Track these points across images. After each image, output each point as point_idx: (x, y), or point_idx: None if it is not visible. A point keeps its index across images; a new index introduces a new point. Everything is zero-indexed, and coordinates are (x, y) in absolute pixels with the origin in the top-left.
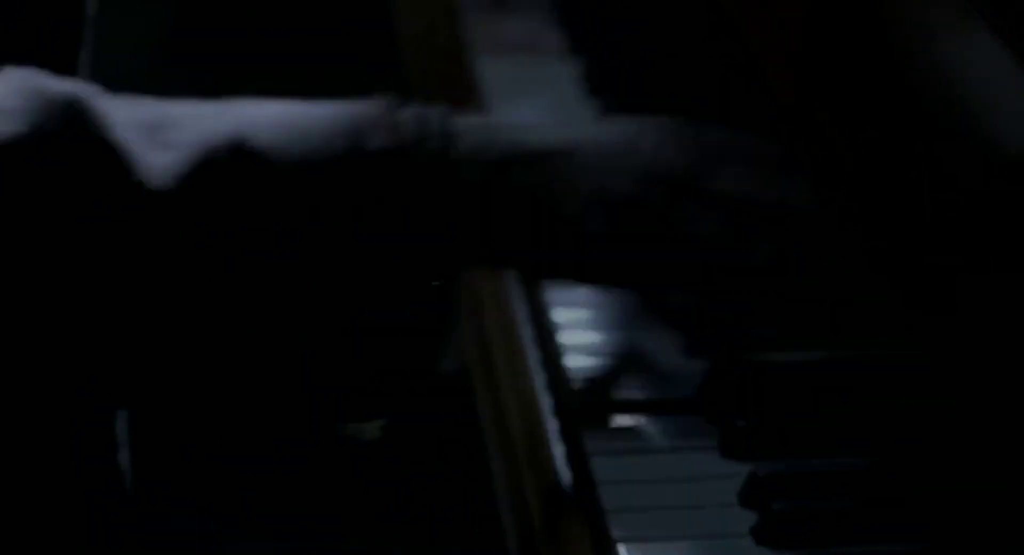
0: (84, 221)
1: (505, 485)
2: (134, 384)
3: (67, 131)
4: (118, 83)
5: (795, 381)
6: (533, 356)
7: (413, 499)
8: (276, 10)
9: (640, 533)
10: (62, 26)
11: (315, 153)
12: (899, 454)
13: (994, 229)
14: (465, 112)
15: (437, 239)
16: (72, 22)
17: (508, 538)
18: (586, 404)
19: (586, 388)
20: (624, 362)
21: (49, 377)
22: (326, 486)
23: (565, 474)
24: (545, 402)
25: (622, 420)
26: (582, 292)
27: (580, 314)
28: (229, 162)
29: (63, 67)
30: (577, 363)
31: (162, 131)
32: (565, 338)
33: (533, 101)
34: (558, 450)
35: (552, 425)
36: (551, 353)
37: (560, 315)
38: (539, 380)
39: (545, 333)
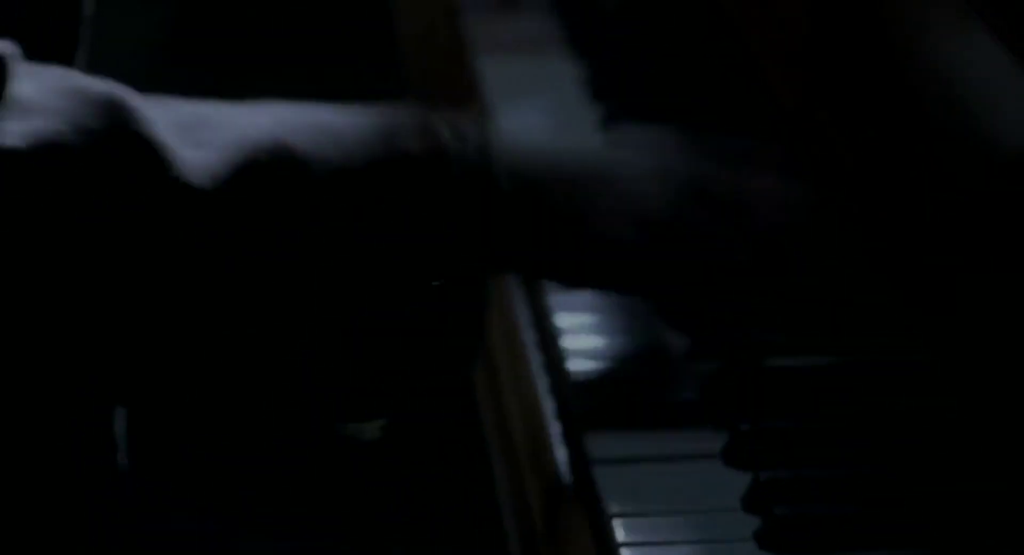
0: (123, 217)
1: (508, 489)
2: (136, 383)
3: (108, 129)
4: (116, 82)
5: (798, 386)
6: (536, 360)
7: (413, 500)
8: (275, 9)
9: (643, 538)
10: (60, 25)
11: (353, 157)
12: (902, 458)
13: (994, 229)
14: (466, 112)
15: (470, 246)
16: (70, 21)
17: (510, 541)
18: (589, 408)
19: (589, 393)
20: (627, 367)
21: (52, 375)
22: (326, 486)
23: (567, 478)
24: (548, 406)
25: (625, 425)
26: (585, 296)
27: (583, 319)
28: (269, 163)
29: (60, 66)
30: (580, 367)
31: (197, 130)
32: (568, 343)
33: (533, 100)
34: (560, 454)
35: (555, 429)
36: (554, 357)
37: (563, 320)
38: (542, 384)
39: (548, 337)
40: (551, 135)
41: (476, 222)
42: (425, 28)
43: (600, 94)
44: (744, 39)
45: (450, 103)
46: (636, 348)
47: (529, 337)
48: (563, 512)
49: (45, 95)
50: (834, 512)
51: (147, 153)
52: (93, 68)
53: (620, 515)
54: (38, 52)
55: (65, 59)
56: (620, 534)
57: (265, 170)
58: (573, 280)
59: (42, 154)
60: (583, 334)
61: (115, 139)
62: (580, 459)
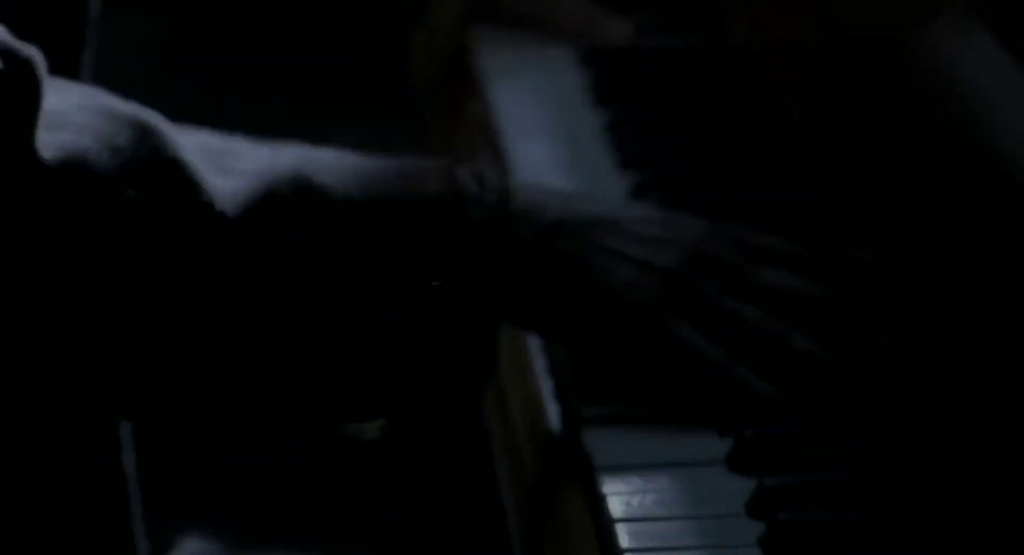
0: (147, 235)
1: (511, 491)
2: (140, 385)
3: (136, 149)
4: (121, 85)
5: (803, 393)
6: (540, 364)
7: (414, 500)
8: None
9: (647, 543)
10: (66, 27)
11: (373, 194)
12: (904, 461)
13: (994, 229)
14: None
15: (484, 289)
16: (76, 23)
17: (513, 542)
18: (593, 413)
19: (593, 397)
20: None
21: (60, 380)
22: (326, 487)
23: (572, 484)
24: (552, 410)
25: (630, 430)
26: None
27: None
28: (291, 195)
29: (66, 68)
30: (584, 373)
31: (224, 158)
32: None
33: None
34: (565, 460)
35: (559, 435)
36: (558, 361)
37: None
38: (546, 387)
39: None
40: (553, 129)
41: (491, 265)
42: (432, 32)
43: (603, 101)
44: (747, 42)
45: (453, 103)
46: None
47: (533, 342)
48: (567, 517)
49: (73, 110)
50: (838, 517)
51: (177, 175)
52: (99, 70)
53: (624, 520)
54: (45, 54)
55: (71, 61)
56: (624, 539)
57: (286, 201)
58: (580, 330)
59: (73, 169)
60: None
61: (145, 159)
62: (584, 465)
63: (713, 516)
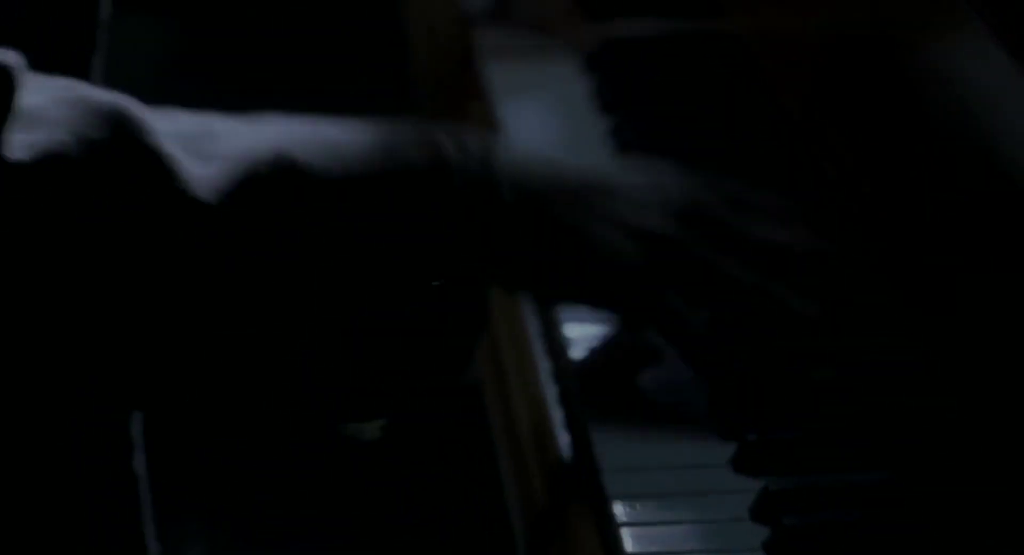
0: (128, 228)
1: (515, 494)
2: (138, 383)
3: (112, 140)
4: (132, 87)
5: (806, 395)
6: (544, 369)
7: (414, 500)
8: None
9: (651, 547)
10: (76, 30)
11: (354, 169)
12: (906, 463)
13: (994, 229)
14: (470, 124)
15: (471, 255)
16: (86, 26)
17: (517, 544)
18: (597, 417)
19: (597, 401)
20: (636, 376)
21: (58, 378)
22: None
23: (576, 488)
24: (556, 415)
25: (634, 434)
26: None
27: (592, 330)
28: (271, 177)
29: (77, 71)
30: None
31: (202, 143)
32: (577, 353)
33: (540, 102)
34: (569, 463)
35: (563, 439)
36: (563, 367)
37: (572, 330)
38: (550, 393)
39: (557, 347)
40: (557, 134)
41: (477, 232)
42: (435, 34)
43: (608, 107)
44: (747, 42)
45: (457, 104)
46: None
47: (538, 346)
48: (571, 520)
49: (50, 106)
50: (843, 522)
51: (153, 165)
52: (109, 72)
53: (628, 524)
54: (55, 57)
55: (82, 63)
56: (628, 543)
57: (267, 182)
58: (571, 292)
59: (45, 166)
60: (592, 344)
61: (120, 150)
62: (589, 468)
63: (717, 520)
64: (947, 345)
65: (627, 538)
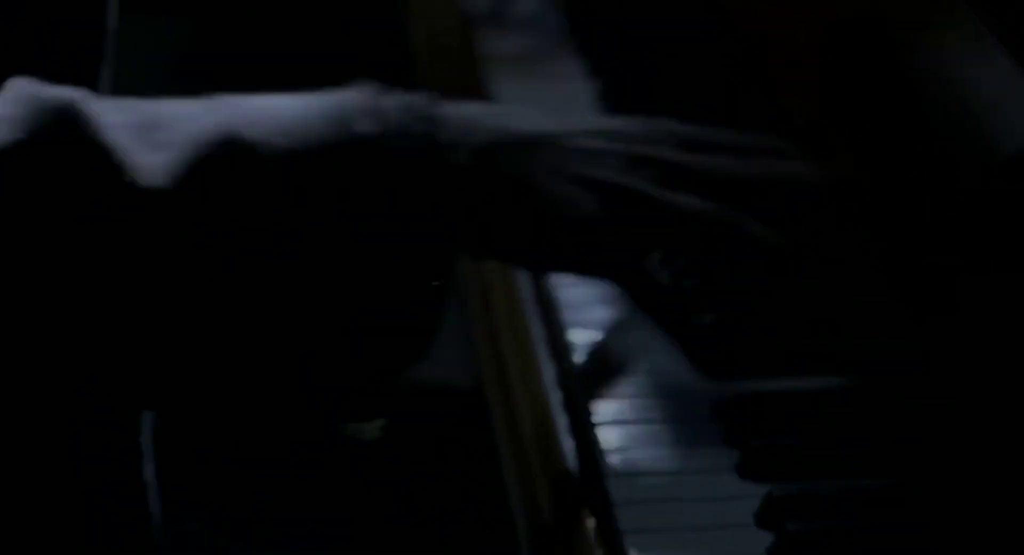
0: (80, 223)
1: (519, 495)
2: (135, 387)
3: (59, 135)
4: (139, 89)
5: (809, 402)
6: (548, 374)
7: (415, 500)
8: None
9: (657, 553)
10: (84, 39)
11: (301, 142)
12: (910, 468)
13: (994, 229)
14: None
15: (427, 225)
16: (94, 35)
17: (519, 542)
18: (601, 423)
19: (601, 407)
20: (639, 382)
21: (49, 380)
22: (327, 487)
23: (580, 493)
24: (560, 421)
25: (638, 439)
26: (598, 311)
27: (596, 334)
28: (220, 157)
29: (85, 80)
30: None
31: (154, 132)
32: (581, 358)
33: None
34: (574, 469)
35: (568, 445)
36: (567, 372)
37: (576, 335)
38: (554, 399)
39: (561, 352)
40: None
41: (428, 193)
42: (438, 39)
43: (611, 109)
44: (750, 42)
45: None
46: (649, 364)
47: (542, 351)
48: (575, 526)
49: (4, 105)
50: (847, 528)
51: (97, 158)
52: (117, 81)
53: (633, 530)
54: (64, 66)
55: (90, 72)
56: (634, 550)
57: (217, 162)
58: (532, 254)
59: None
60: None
61: (66, 144)
62: (593, 473)
63: (722, 526)
64: (947, 345)
65: (631, 543)
